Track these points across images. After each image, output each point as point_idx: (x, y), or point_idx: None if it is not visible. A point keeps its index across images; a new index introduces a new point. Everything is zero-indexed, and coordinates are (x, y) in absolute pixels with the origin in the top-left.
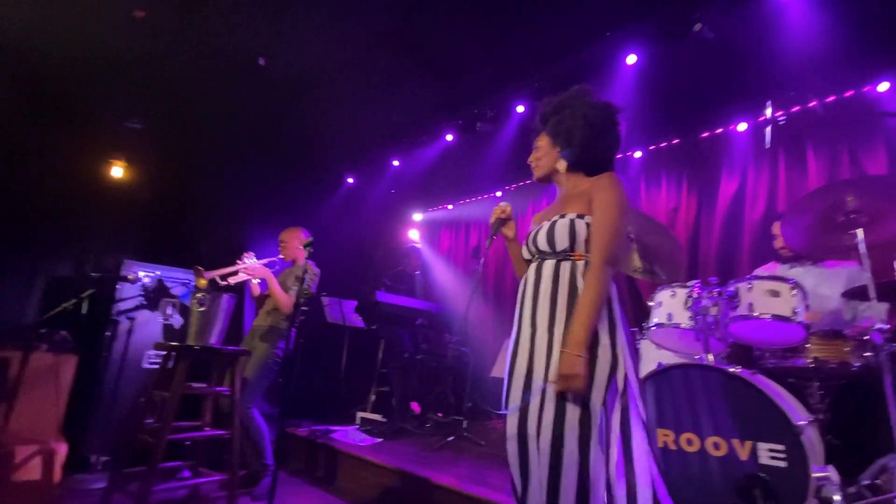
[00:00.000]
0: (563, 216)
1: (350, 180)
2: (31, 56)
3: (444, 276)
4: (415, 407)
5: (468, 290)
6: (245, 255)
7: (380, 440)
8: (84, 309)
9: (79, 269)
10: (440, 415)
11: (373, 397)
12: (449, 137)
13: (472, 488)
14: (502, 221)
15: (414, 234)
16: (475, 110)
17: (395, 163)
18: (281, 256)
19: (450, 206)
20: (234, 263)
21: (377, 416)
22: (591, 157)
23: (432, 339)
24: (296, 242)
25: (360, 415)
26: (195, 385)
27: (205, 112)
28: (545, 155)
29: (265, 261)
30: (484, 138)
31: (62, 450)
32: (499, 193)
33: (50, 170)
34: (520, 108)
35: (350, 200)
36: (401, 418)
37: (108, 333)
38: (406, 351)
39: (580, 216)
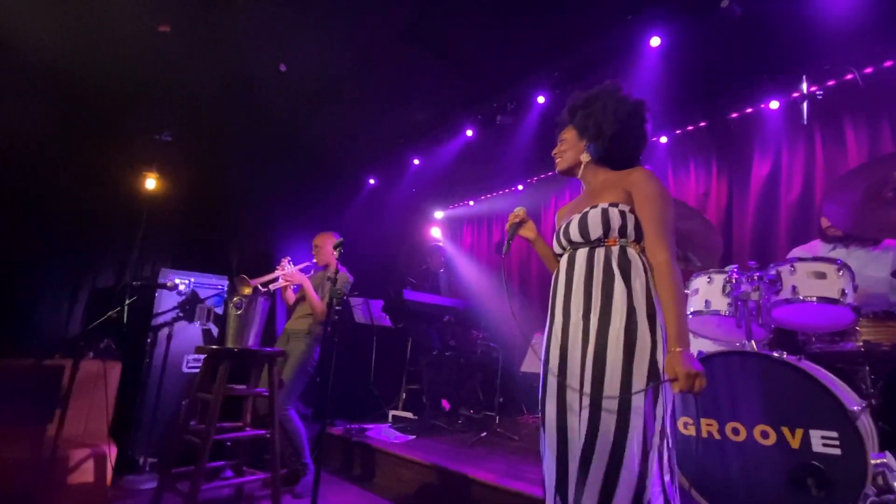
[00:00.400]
0: (594, 206)
1: (371, 181)
2: (66, 72)
3: (469, 273)
4: (445, 404)
5: (499, 288)
6: (283, 260)
7: (413, 437)
8: (125, 318)
9: (118, 280)
10: (472, 411)
11: (403, 395)
12: (469, 133)
13: (510, 483)
14: (517, 226)
15: (436, 233)
16: (494, 103)
17: (416, 161)
18: (315, 261)
19: (471, 203)
20: (266, 268)
21: (408, 414)
22: (618, 152)
23: (459, 335)
24: (329, 247)
25: (391, 413)
26: (236, 387)
27: (229, 121)
28: (571, 148)
29: (301, 266)
30: (504, 132)
31: (112, 452)
32: (520, 187)
33: (87, 184)
34: (540, 99)
35: (372, 201)
36: (432, 415)
37: (148, 340)
38: (434, 348)
39: (613, 204)
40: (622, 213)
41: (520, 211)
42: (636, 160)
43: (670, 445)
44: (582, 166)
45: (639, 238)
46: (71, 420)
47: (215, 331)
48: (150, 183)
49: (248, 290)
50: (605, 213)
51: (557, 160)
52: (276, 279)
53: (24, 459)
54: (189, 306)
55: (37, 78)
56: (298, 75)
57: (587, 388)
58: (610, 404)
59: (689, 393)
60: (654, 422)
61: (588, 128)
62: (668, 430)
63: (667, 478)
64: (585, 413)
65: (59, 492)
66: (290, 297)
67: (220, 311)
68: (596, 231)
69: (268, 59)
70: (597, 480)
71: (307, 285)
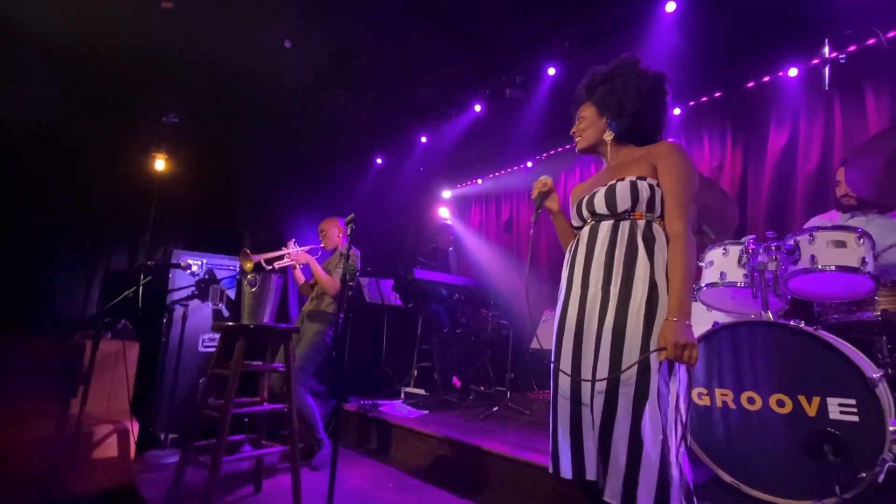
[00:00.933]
0: (621, 179)
1: (379, 161)
2: (72, 55)
3: (478, 251)
4: (455, 381)
5: (509, 265)
6: (290, 242)
7: (426, 412)
8: (140, 300)
9: (132, 262)
10: (482, 388)
11: (415, 372)
12: (477, 108)
13: (523, 454)
14: (545, 195)
15: (444, 212)
16: (503, 77)
17: (423, 139)
18: (322, 245)
19: (479, 181)
20: (276, 249)
21: (420, 391)
22: (641, 128)
23: (470, 314)
24: (335, 231)
25: (403, 390)
26: (252, 363)
27: (235, 101)
28: (591, 125)
29: (307, 248)
30: (513, 107)
31: (134, 428)
32: (530, 164)
33: (97, 166)
34: (551, 71)
35: (380, 181)
36: (443, 392)
37: (164, 321)
38: (445, 326)
39: (641, 178)
40: (651, 187)
41: (547, 180)
42: (659, 134)
43: (685, 420)
44: (607, 145)
45: (664, 215)
46: (93, 398)
47: (227, 312)
48: (160, 164)
49: (249, 265)
50: (633, 185)
51: (577, 139)
52: (280, 257)
53: (51, 436)
54: (203, 287)
55: (43, 61)
56: (304, 52)
57: (604, 358)
58: (626, 376)
59: (679, 363)
60: (668, 395)
61: (609, 105)
62: (683, 405)
63: (682, 451)
64: (600, 385)
65: (85, 466)
66: (299, 276)
67: (231, 293)
68: (624, 203)
69: (272, 35)
70: (619, 459)
71: (314, 264)
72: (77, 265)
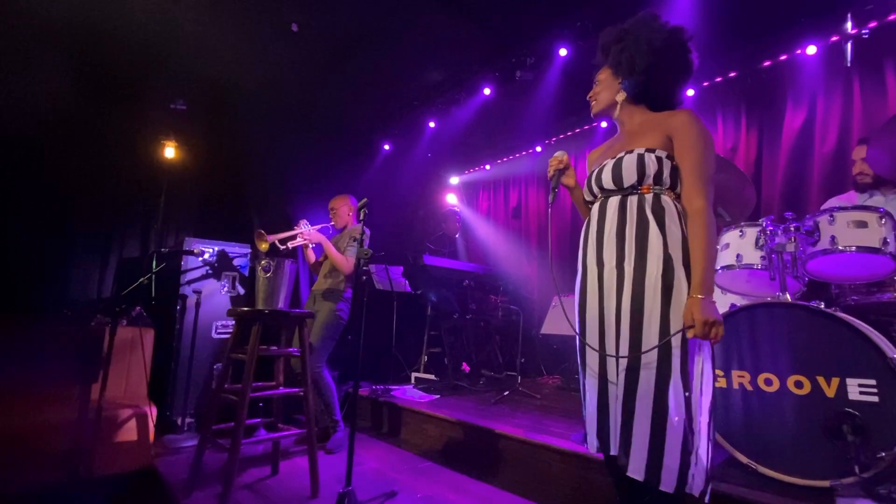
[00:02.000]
0: (630, 151)
1: (387, 147)
2: (80, 42)
3: (486, 238)
4: (465, 367)
5: (518, 251)
6: (301, 221)
7: (437, 397)
8: (153, 287)
9: (144, 249)
10: (492, 373)
11: (425, 358)
12: (487, 91)
13: (536, 436)
14: (561, 172)
15: (452, 199)
16: (513, 59)
17: (432, 124)
18: (332, 223)
19: (487, 167)
20: (290, 229)
21: (430, 376)
22: (656, 88)
23: (479, 299)
24: (345, 209)
25: (414, 375)
26: (268, 347)
27: (243, 87)
28: (606, 88)
29: (318, 227)
30: (523, 89)
31: (153, 412)
32: (539, 149)
33: (107, 153)
34: (562, 52)
35: (388, 167)
36: (454, 377)
37: (178, 308)
38: (455, 312)
39: (650, 150)
40: (658, 160)
41: (563, 156)
42: (677, 97)
43: (711, 397)
44: (618, 106)
45: (674, 185)
46: (112, 383)
47: (242, 290)
48: (170, 151)
49: (265, 246)
50: (640, 158)
51: (592, 103)
52: (294, 237)
53: (73, 419)
54: (215, 273)
55: (52, 47)
56: (311, 35)
57: (625, 337)
58: (649, 353)
59: (706, 340)
60: (694, 367)
61: (622, 63)
62: (708, 382)
63: (711, 428)
64: (624, 363)
65: (107, 449)
66: (310, 255)
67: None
68: (630, 178)
69: (279, 19)
70: (643, 434)
71: (326, 243)
72: (91, 252)
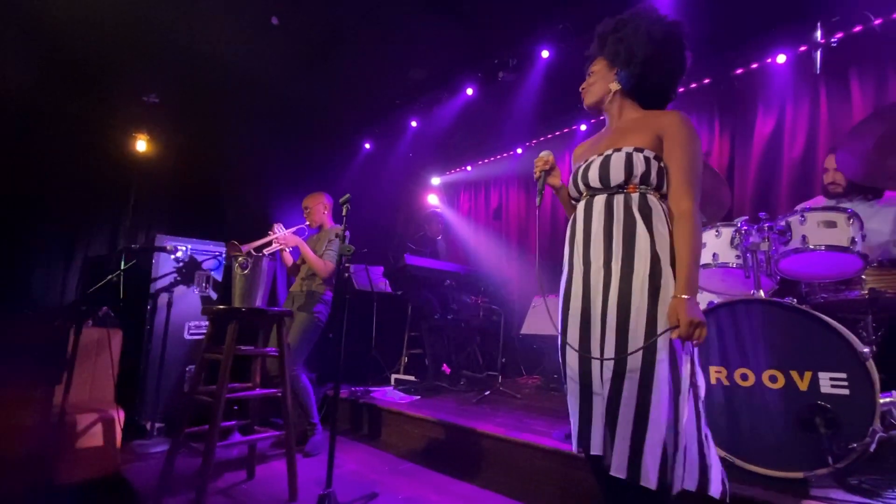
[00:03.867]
0: (618, 150)
1: (367, 146)
2: (48, 31)
3: (467, 239)
4: (445, 368)
5: (499, 252)
6: (275, 226)
7: (417, 398)
8: (122, 286)
9: (113, 247)
10: (473, 373)
11: (405, 359)
12: (469, 91)
13: (518, 434)
14: (547, 172)
15: (433, 199)
16: (496, 59)
17: (414, 123)
18: (307, 223)
19: (469, 168)
20: (263, 234)
21: (410, 377)
22: (651, 82)
23: (460, 300)
24: (320, 207)
25: (394, 376)
26: (244, 347)
27: (219, 81)
28: (600, 79)
29: (293, 229)
30: (506, 91)
31: (120, 417)
32: (520, 150)
33: (74, 147)
34: (545, 54)
35: (369, 167)
36: (434, 377)
37: (148, 307)
38: (435, 313)
39: (638, 149)
40: (647, 160)
41: (548, 156)
42: (669, 95)
43: (702, 395)
44: (610, 96)
45: (660, 186)
46: (76, 387)
47: (214, 295)
48: (141, 145)
49: (241, 259)
50: (629, 157)
51: (584, 94)
52: (269, 244)
53: (35, 424)
54: (187, 272)
55: (16, 35)
56: (291, 29)
57: (610, 336)
58: (635, 353)
59: (689, 341)
60: (682, 367)
61: (619, 53)
62: (700, 380)
63: (704, 429)
64: (609, 364)
65: (70, 455)
66: (287, 258)
67: (218, 276)
68: (617, 177)
69: (259, 11)
70: (626, 432)
71: (303, 246)
72: (54, 251)
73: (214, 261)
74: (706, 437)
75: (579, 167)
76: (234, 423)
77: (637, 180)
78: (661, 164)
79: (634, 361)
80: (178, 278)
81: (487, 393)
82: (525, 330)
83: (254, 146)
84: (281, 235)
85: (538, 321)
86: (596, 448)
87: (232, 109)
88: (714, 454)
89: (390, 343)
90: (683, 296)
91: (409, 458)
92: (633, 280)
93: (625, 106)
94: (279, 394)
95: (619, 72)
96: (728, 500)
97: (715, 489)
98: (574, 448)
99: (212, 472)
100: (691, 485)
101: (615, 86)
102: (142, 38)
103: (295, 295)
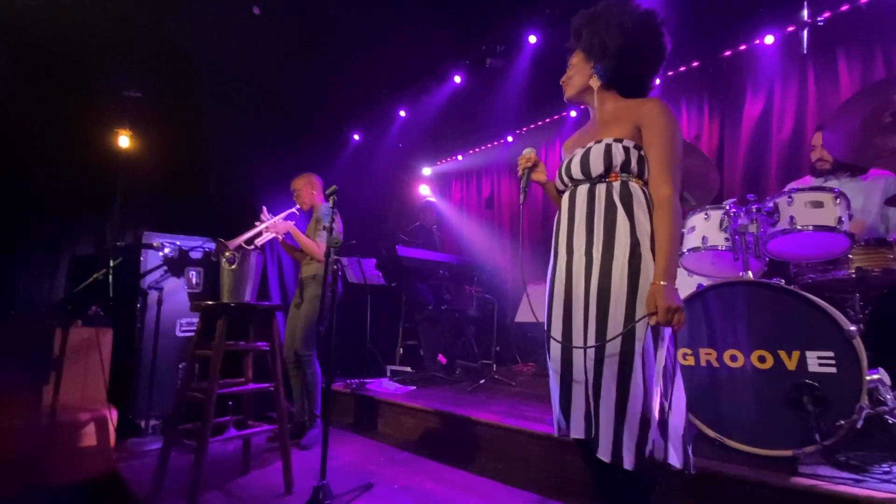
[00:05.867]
0: (598, 142)
1: (356, 137)
2: (26, 26)
3: (460, 228)
4: (441, 359)
5: (491, 241)
6: (262, 213)
7: (413, 388)
8: (111, 283)
9: (99, 246)
10: (468, 362)
11: (400, 351)
12: (457, 79)
13: (513, 421)
14: (531, 170)
15: (425, 190)
16: (483, 46)
17: (402, 113)
18: (297, 206)
19: (459, 157)
20: (251, 226)
21: (406, 368)
22: (628, 73)
23: (454, 290)
24: (308, 189)
25: (389, 368)
26: (236, 343)
27: (202, 74)
28: (578, 72)
29: (283, 214)
30: (494, 78)
31: (113, 416)
32: (510, 139)
33: (57, 145)
34: (532, 39)
35: (358, 158)
36: (430, 368)
37: (138, 305)
38: (429, 303)
39: (618, 140)
40: (626, 150)
41: (530, 154)
42: (649, 82)
43: (674, 376)
44: (592, 92)
45: (641, 173)
46: (67, 387)
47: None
48: (124, 141)
49: (229, 254)
50: (608, 148)
51: (565, 87)
52: (259, 234)
53: (24, 425)
54: (177, 269)
55: None
56: (274, 19)
57: (592, 322)
58: (614, 339)
59: (667, 327)
60: (657, 352)
61: (594, 46)
62: (671, 362)
63: (675, 403)
64: (591, 351)
65: (62, 455)
66: (286, 229)
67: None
68: (597, 168)
69: (241, 1)
70: (608, 417)
71: (295, 232)
72: (40, 250)
73: (204, 256)
74: (688, 418)
75: (564, 161)
76: (228, 418)
77: (617, 169)
78: (641, 153)
79: (614, 347)
80: (168, 275)
81: (483, 381)
82: (519, 318)
83: (240, 139)
84: (271, 222)
85: (531, 310)
86: (577, 431)
87: (216, 102)
88: (689, 430)
89: (385, 335)
90: (662, 282)
91: (405, 448)
92: (613, 266)
93: (605, 97)
94: (271, 388)
95: (595, 65)
96: (692, 471)
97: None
98: (555, 431)
99: (207, 468)
100: (676, 462)
101: (595, 82)
102: (122, 32)
103: (304, 279)
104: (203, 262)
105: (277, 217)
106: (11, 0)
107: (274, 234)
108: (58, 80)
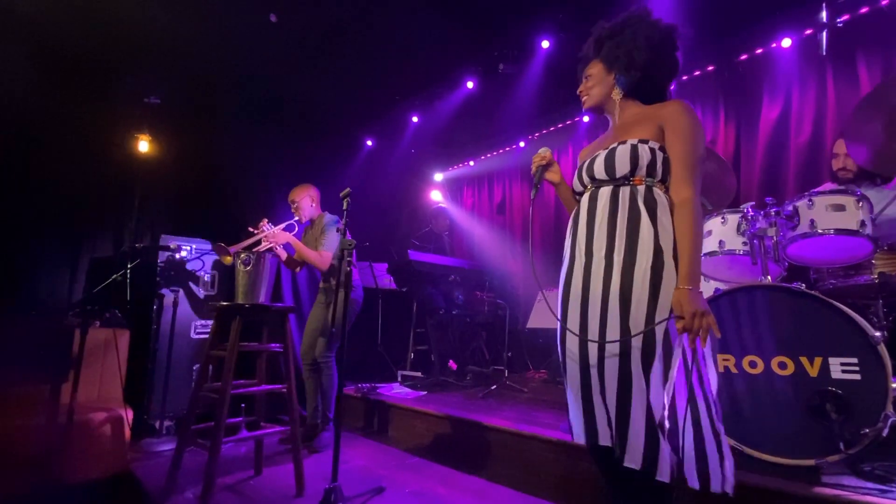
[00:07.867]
0: (623, 142)
1: (369, 143)
2: (49, 35)
3: (472, 234)
4: (451, 364)
5: (503, 247)
6: (261, 223)
7: (424, 393)
8: (128, 286)
9: (118, 248)
10: (479, 368)
11: (411, 356)
12: (470, 85)
13: (524, 427)
14: (545, 168)
15: (437, 195)
16: (496, 51)
17: (415, 119)
18: (296, 218)
19: (471, 163)
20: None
21: (417, 374)
22: (650, 83)
23: (465, 295)
24: (307, 201)
25: (400, 373)
26: (249, 344)
27: (219, 81)
28: (598, 83)
29: (283, 225)
30: (506, 83)
31: (128, 416)
32: (522, 144)
33: (79, 150)
34: (545, 44)
35: (371, 163)
36: (440, 373)
37: (154, 308)
38: (440, 308)
39: (643, 141)
40: (652, 150)
41: (546, 152)
42: (666, 91)
43: (710, 389)
44: (613, 102)
45: (665, 178)
46: (84, 386)
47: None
48: (143, 146)
49: (228, 260)
50: (634, 149)
51: (584, 98)
52: (258, 242)
53: (42, 422)
54: (192, 273)
55: (20, 39)
56: (290, 27)
57: (612, 324)
58: (635, 342)
59: (696, 330)
60: (672, 361)
61: (618, 58)
62: (705, 369)
63: (718, 425)
64: (606, 349)
65: (78, 454)
66: (281, 253)
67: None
68: (623, 168)
69: (257, 9)
70: (637, 421)
71: (295, 242)
72: (61, 252)
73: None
74: (719, 432)
75: (585, 162)
76: (241, 419)
77: (643, 171)
78: (666, 156)
79: (636, 353)
80: (184, 278)
81: (494, 387)
82: (531, 324)
83: (255, 144)
84: (270, 233)
85: (544, 315)
86: (604, 439)
87: (233, 109)
88: (727, 449)
89: (396, 339)
90: (686, 286)
91: (416, 453)
92: (634, 271)
93: (626, 105)
94: (284, 389)
95: (617, 76)
96: (732, 493)
97: (715, 484)
98: (575, 439)
99: (219, 469)
100: (693, 482)
101: (617, 94)
102: (143, 41)
103: (325, 290)
104: (218, 264)
105: (277, 228)
106: (38, 9)
107: (272, 245)
108: (81, 86)
